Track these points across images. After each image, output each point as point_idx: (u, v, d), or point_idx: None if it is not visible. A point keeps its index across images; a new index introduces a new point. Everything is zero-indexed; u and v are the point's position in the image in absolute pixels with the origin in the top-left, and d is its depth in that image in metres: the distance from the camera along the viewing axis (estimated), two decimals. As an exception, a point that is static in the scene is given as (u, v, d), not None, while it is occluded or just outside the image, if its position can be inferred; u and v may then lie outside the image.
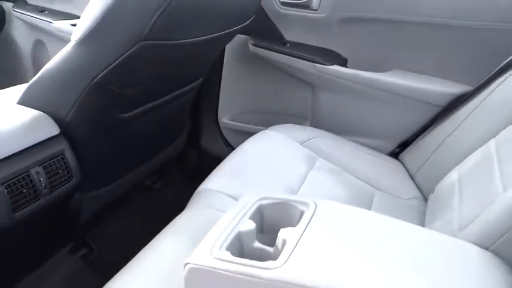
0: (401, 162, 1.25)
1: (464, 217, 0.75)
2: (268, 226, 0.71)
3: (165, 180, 1.53)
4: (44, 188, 0.83)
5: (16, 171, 0.78)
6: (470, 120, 1.05)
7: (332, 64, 1.31)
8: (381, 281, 0.52)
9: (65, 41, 1.62)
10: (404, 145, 1.29)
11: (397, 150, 1.30)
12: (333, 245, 0.59)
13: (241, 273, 0.56)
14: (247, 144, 1.14)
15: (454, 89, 1.18)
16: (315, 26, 1.35)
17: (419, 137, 1.22)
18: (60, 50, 1.68)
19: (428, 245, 0.60)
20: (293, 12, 1.36)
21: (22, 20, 1.72)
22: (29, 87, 0.92)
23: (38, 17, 1.66)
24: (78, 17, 1.69)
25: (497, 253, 0.62)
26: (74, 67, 0.86)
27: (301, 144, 1.18)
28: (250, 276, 0.55)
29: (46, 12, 1.68)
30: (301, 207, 0.69)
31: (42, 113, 0.89)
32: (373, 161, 1.21)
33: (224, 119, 1.57)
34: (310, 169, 1.09)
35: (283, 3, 1.36)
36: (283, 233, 0.62)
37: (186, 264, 0.60)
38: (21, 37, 1.77)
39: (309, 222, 0.64)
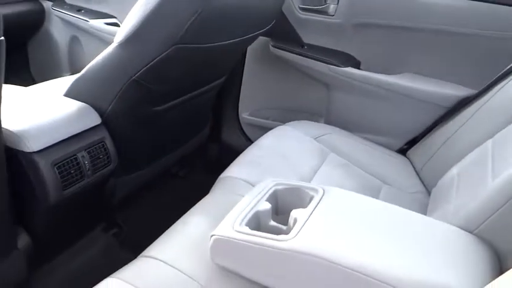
0: (409, 159, 1.33)
1: (457, 207, 0.84)
2: (282, 208, 0.82)
3: (189, 169, 1.65)
4: (88, 170, 0.95)
5: (65, 155, 0.91)
6: (472, 121, 1.13)
7: (346, 66, 1.40)
8: (372, 252, 0.62)
9: (98, 37, 1.75)
10: (411, 143, 1.36)
11: (405, 147, 1.38)
12: (337, 223, 0.70)
13: (257, 244, 0.67)
14: (265, 138, 1.23)
15: (459, 91, 1.25)
16: (331, 30, 1.43)
17: (426, 135, 1.30)
18: (94, 46, 1.82)
19: (417, 226, 0.70)
20: (311, 17, 1.44)
21: (60, 17, 1.85)
22: (74, 82, 1.04)
23: (75, 15, 1.78)
24: (111, 16, 1.81)
25: (480, 236, 0.72)
26: (115, 66, 0.98)
27: (315, 139, 1.25)
28: (265, 246, 0.66)
29: (82, 11, 1.81)
30: (311, 193, 0.79)
31: (86, 104, 1.01)
32: (381, 157, 1.29)
33: (244, 115, 1.67)
34: (322, 162, 1.17)
35: (302, 9, 1.45)
36: (294, 213, 0.73)
37: (212, 235, 0.71)
38: (59, 33, 1.89)
39: (317, 204, 0.74)
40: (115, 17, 1.81)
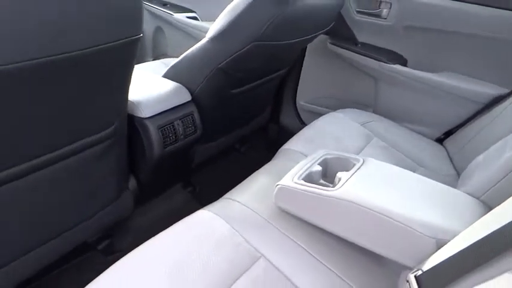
0: (445, 148, 1.50)
1: (473, 180, 1.03)
2: (329, 172, 1.05)
3: (249, 146, 1.91)
4: (181, 135, 1.23)
5: (167, 122, 1.19)
6: (501, 116, 1.29)
7: (394, 63, 1.57)
8: (396, 202, 0.85)
9: (180, 29, 2.04)
10: (448, 133, 1.53)
11: (442, 137, 1.55)
12: (371, 181, 0.92)
13: (310, 192, 0.91)
14: (318, 121, 1.45)
15: (494, 90, 1.40)
16: (383, 31, 1.61)
17: (461, 127, 1.47)
18: (175, 36, 2.11)
19: (433, 190, 0.91)
20: (366, 19, 1.63)
21: (148, 10, 2.16)
22: (172, 66, 1.32)
23: (161, 9, 2.09)
24: (191, 11, 2.10)
25: (484, 202, 0.92)
26: (206, 56, 1.25)
27: (361, 125, 1.44)
28: (315, 194, 0.90)
29: (168, 5, 2.11)
30: (354, 161, 1.02)
31: (181, 85, 1.29)
32: (420, 144, 1.46)
33: (301, 101, 1.89)
34: (365, 144, 1.35)
35: (359, 12, 1.64)
36: (339, 174, 0.96)
37: (277, 185, 0.96)
38: (146, 24, 2.20)
39: (358, 169, 0.97)
40: (194, 12, 2.10)
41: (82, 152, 0.94)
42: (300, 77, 1.87)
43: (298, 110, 1.91)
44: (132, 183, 1.21)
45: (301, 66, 1.83)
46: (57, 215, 0.98)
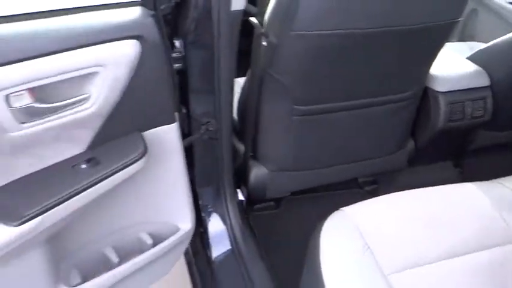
0: None
1: None
2: None
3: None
4: (468, 115, 1.31)
5: (458, 100, 1.29)
6: None
7: None
8: None
9: (497, 14, 1.98)
10: None
11: None
12: None
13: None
14: None
15: None
16: None
17: None
18: (489, 21, 2.05)
19: None
20: None
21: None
22: (480, 51, 1.38)
23: None
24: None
25: None
26: None
27: None
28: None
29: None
30: None
31: (482, 69, 1.34)
32: None
33: None
34: None
35: None
36: None
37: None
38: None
39: None
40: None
41: (382, 105, 1.17)
42: None
43: None
44: (410, 144, 1.39)
45: None
46: (352, 147, 1.27)
